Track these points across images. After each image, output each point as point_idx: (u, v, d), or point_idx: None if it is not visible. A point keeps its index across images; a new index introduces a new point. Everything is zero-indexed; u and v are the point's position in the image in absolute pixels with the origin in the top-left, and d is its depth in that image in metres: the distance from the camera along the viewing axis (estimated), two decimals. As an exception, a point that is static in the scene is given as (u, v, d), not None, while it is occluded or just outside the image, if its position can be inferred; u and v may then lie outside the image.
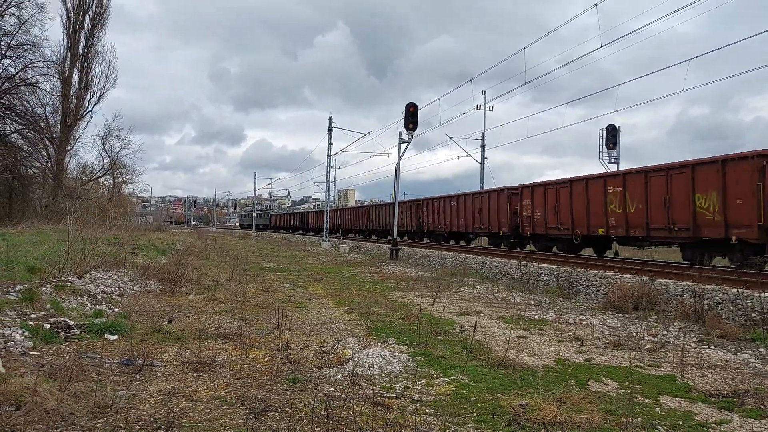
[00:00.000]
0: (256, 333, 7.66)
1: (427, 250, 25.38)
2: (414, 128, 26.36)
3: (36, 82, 34.95)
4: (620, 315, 10.21)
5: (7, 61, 33.17)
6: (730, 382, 5.95)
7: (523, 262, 15.73)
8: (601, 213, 17.70)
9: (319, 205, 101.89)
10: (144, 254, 18.37)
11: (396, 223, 28.55)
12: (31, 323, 6.78)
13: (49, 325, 6.90)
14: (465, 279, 16.53)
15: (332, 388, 5.26)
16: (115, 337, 7.02)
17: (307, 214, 73.31)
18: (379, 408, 4.72)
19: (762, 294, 9.15)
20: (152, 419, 4.31)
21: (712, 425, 4.62)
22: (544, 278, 14.61)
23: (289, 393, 5.11)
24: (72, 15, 39.63)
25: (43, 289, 8.39)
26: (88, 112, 40.91)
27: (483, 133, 37.94)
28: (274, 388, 5.26)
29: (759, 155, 12.67)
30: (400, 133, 27.39)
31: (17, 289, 7.94)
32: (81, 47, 39.99)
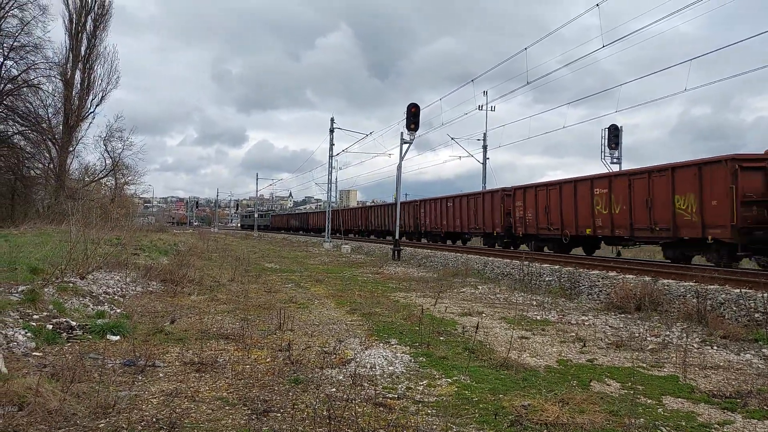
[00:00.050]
0: (258, 334, 7.66)
1: (428, 250, 25.38)
2: (416, 129, 26.38)
3: (38, 84, 35.04)
4: (623, 315, 10.20)
5: (9, 63, 33.28)
6: (733, 382, 5.94)
7: (525, 263, 15.76)
8: (588, 214, 18.34)
9: (321, 205, 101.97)
10: (146, 255, 18.39)
11: (398, 223, 28.62)
12: (34, 324, 6.79)
13: (51, 326, 6.91)
14: (467, 279, 16.52)
15: (334, 389, 5.26)
16: (118, 337, 7.03)
17: (308, 215, 73.53)
18: (381, 409, 4.72)
19: (765, 294, 9.12)
20: (154, 420, 4.31)
21: (715, 426, 4.61)
22: (546, 279, 14.59)
23: (291, 393, 5.11)
24: (74, 16, 39.71)
25: (46, 290, 8.40)
26: (90, 113, 40.99)
27: (485, 134, 37.88)
28: (276, 388, 5.26)
29: (732, 159, 13.18)
30: (402, 133, 27.42)
31: (20, 290, 7.95)
32: (83, 48, 40.07)
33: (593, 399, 5.06)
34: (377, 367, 6.07)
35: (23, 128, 34.29)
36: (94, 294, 9.49)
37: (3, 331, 6.19)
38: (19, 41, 32.66)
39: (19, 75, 33.64)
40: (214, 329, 7.89)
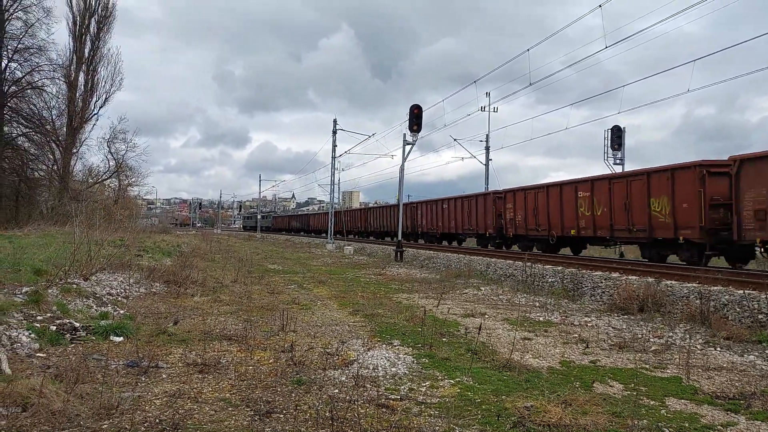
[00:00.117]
0: (260, 335, 7.67)
1: (431, 251, 25.40)
2: (418, 130, 26.36)
3: (42, 86, 35.21)
4: (626, 317, 10.18)
5: (14, 65, 33.43)
6: (737, 384, 5.92)
7: (528, 264, 15.77)
8: (573, 216, 19.25)
9: (323, 206, 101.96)
10: (149, 256, 18.43)
11: (401, 224, 28.73)
12: (38, 325, 6.81)
13: (55, 327, 6.93)
14: (469, 281, 16.51)
15: (337, 390, 5.27)
16: (121, 338, 7.05)
17: (309, 216, 73.67)
18: (384, 410, 4.72)
19: (768, 295, 9.11)
20: (157, 421, 4.32)
21: (719, 427, 4.60)
22: (549, 280, 14.58)
23: (293, 395, 5.12)
24: (78, 18, 39.88)
25: (49, 291, 8.43)
26: (94, 114, 41.15)
27: (487, 135, 37.82)
28: (279, 389, 5.27)
29: (700, 165, 14.14)
30: (405, 134, 27.39)
31: (24, 291, 7.98)
32: (87, 50, 40.24)
33: (596, 400, 5.05)
34: (380, 369, 6.07)
35: (27, 130, 34.45)
36: (97, 295, 9.52)
37: (7, 333, 6.21)
38: (23, 43, 32.87)
39: (24, 77, 33.82)
40: (217, 330, 7.90)
